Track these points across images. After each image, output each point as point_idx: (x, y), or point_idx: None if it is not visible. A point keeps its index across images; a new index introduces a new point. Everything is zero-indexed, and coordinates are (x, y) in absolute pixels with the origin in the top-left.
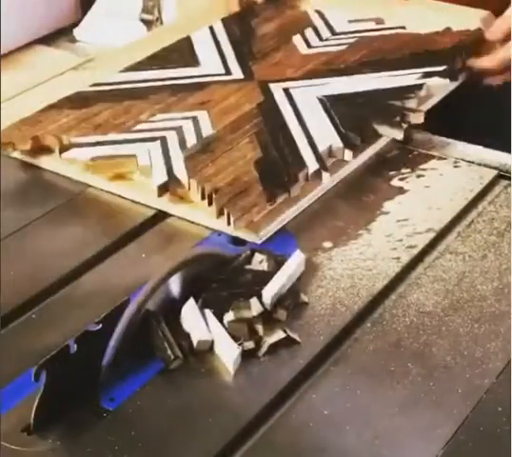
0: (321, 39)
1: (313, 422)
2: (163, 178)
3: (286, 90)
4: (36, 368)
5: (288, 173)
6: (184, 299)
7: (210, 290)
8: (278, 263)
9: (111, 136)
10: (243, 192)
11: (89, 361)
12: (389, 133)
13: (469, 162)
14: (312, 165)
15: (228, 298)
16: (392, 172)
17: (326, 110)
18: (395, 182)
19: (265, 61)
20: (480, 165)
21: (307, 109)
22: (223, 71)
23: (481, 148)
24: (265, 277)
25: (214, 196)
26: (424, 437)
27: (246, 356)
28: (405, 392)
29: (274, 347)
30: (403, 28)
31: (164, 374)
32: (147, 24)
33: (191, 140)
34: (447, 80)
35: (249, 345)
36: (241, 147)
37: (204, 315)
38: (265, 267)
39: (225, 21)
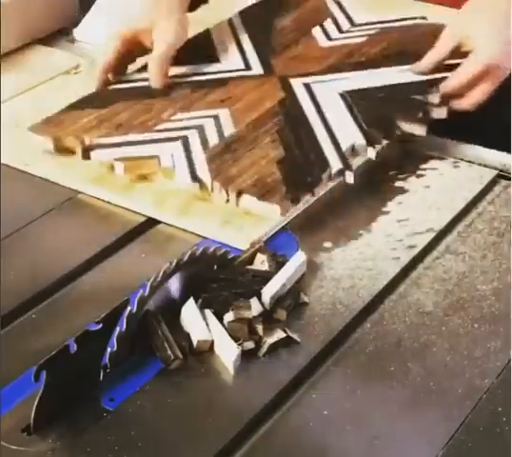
0: (340, 31)
1: (313, 422)
2: (186, 180)
3: (307, 86)
4: (36, 368)
5: (312, 173)
6: (184, 299)
7: (210, 290)
8: (279, 263)
9: (133, 136)
10: (267, 194)
11: (89, 361)
12: (412, 130)
13: (469, 162)
14: (336, 164)
15: (228, 298)
16: (392, 172)
17: (349, 107)
18: (395, 182)
19: (284, 55)
20: (480, 165)
21: (329, 105)
22: (242, 67)
23: (481, 147)
24: (265, 277)
25: (238, 198)
26: (424, 437)
27: (246, 356)
28: (405, 392)
29: (274, 347)
30: (424, 18)
31: (164, 374)
32: None
33: (213, 139)
34: None
35: (249, 345)
36: (263, 146)
37: (204, 315)
38: (266, 267)
39: (242, 14)
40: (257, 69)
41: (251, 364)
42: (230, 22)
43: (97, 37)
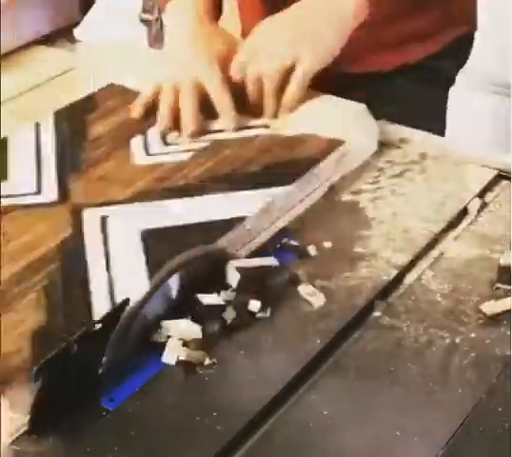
0: (165, 143)
1: (313, 422)
2: None
3: (103, 221)
4: (36, 368)
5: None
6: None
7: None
8: None
9: None
10: (4, 382)
11: (89, 361)
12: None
13: (469, 162)
14: None
15: None
16: (392, 172)
17: (145, 253)
18: (395, 181)
19: (89, 174)
20: (480, 165)
21: (122, 249)
22: (33, 190)
23: (480, 148)
24: None
25: None
26: (424, 437)
27: (246, 355)
28: (405, 392)
29: (274, 346)
30: (267, 126)
31: (164, 374)
32: (147, 24)
33: None
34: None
35: None
36: (22, 308)
37: None
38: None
39: (58, 115)
40: (50, 193)
41: (251, 363)
42: (37, 127)
43: (97, 37)
